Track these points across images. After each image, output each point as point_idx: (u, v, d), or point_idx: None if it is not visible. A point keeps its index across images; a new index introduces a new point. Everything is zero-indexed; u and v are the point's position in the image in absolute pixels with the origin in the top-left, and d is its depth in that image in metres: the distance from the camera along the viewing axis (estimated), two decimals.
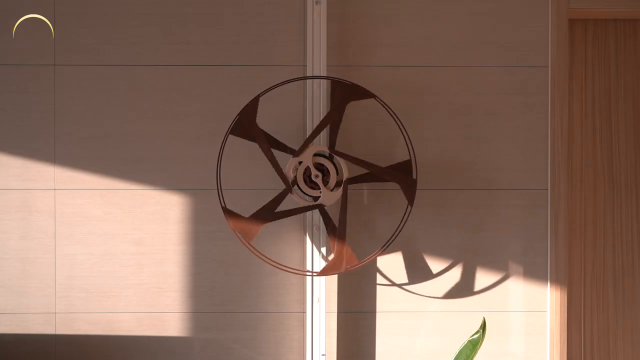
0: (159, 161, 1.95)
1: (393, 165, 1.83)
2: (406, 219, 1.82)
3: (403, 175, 1.80)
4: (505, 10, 1.98)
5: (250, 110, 1.77)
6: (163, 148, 1.95)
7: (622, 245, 2.11)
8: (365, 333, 1.98)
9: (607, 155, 2.11)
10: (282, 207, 1.80)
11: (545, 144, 1.98)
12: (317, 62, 1.89)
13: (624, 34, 2.11)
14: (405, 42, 1.97)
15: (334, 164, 1.80)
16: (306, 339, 1.90)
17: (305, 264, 1.95)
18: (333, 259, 1.79)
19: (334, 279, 1.96)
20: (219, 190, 1.79)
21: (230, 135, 1.79)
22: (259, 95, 1.78)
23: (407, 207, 1.81)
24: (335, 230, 1.80)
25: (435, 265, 1.98)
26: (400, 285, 1.98)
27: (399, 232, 1.83)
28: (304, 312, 1.96)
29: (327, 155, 1.80)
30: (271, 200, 1.78)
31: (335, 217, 1.81)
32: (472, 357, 1.68)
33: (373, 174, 1.81)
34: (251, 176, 1.94)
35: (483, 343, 1.70)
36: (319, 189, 1.79)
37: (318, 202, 1.80)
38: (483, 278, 1.99)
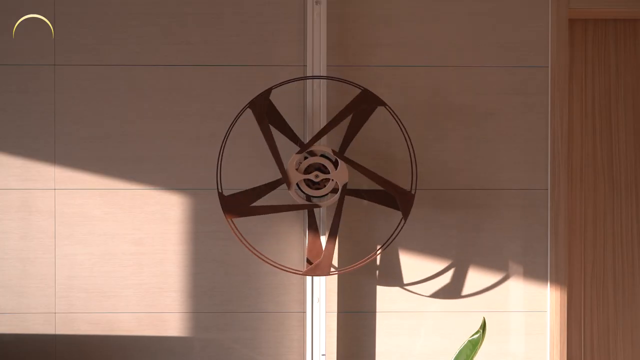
0: (159, 161, 1.95)
1: (395, 186, 1.82)
2: (399, 231, 1.81)
3: (402, 189, 1.80)
4: (505, 10, 1.98)
5: (264, 96, 1.77)
6: (163, 148, 1.95)
7: (622, 245, 2.11)
8: (365, 333, 1.98)
9: (607, 155, 2.11)
10: (278, 202, 1.80)
11: (545, 144, 1.98)
12: (317, 62, 1.89)
13: (624, 34, 2.11)
14: (405, 42, 1.97)
15: (335, 168, 1.79)
16: (306, 339, 1.91)
17: (305, 264, 1.94)
18: (321, 260, 1.78)
19: (334, 279, 1.96)
20: (219, 191, 1.79)
21: (230, 134, 1.79)
22: (270, 88, 1.78)
23: (401, 221, 1.80)
24: (316, 231, 1.81)
25: (435, 265, 1.98)
26: (400, 285, 1.98)
27: (392, 240, 1.82)
28: (304, 312, 1.96)
29: (333, 159, 1.79)
30: (264, 185, 1.78)
31: (328, 219, 1.81)
32: (472, 357, 1.68)
33: (372, 194, 1.82)
34: (251, 176, 1.94)
35: (483, 343, 1.70)
36: (318, 189, 1.79)
37: (315, 202, 1.80)
38: (483, 278, 1.99)
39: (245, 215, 1.79)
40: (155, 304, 1.96)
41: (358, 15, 1.96)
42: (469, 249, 1.98)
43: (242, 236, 1.80)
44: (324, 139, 1.85)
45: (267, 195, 1.80)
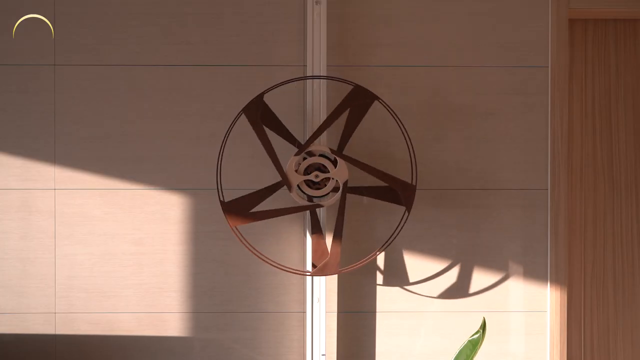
0: (159, 161, 1.95)
1: (396, 178, 1.82)
2: (403, 224, 1.81)
3: (403, 181, 1.80)
4: (505, 10, 1.98)
5: (255, 105, 1.77)
6: (163, 148, 1.95)
7: (622, 245, 2.11)
8: (365, 333, 1.98)
9: (607, 155, 2.11)
10: (279, 205, 1.80)
11: (545, 144, 1.98)
12: (317, 62, 1.89)
13: (624, 34, 2.11)
14: (405, 42, 1.97)
15: (335, 167, 1.79)
16: (306, 339, 1.91)
17: (305, 264, 1.95)
18: (328, 260, 1.78)
19: (334, 279, 1.96)
20: (219, 190, 1.79)
21: (230, 134, 1.79)
22: (263, 92, 1.78)
23: (405, 214, 1.81)
24: (320, 231, 1.81)
25: (435, 265, 1.98)
26: (400, 285, 1.98)
27: (395, 237, 1.82)
28: (304, 312, 1.96)
29: (332, 158, 1.79)
30: (265, 187, 1.78)
31: (329, 219, 1.81)
32: (472, 357, 1.68)
33: (373, 190, 1.82)
34: (251, 176, 1.94)
35: (483, 343, 1.70)
36: (318, 189, 1.79)
37: (316, 202, 1.80)
38: (483, 278, 1.99)
39: (249, 221, 1.78)
40: (155, 304, 1.96)
41: (358, 15, 1.96)
42: (469, 249, 1.98)
43: (249, 243, 1.79)
44: (323, 139, 1.85)
45: (269, 201, 1.80)
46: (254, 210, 1.78)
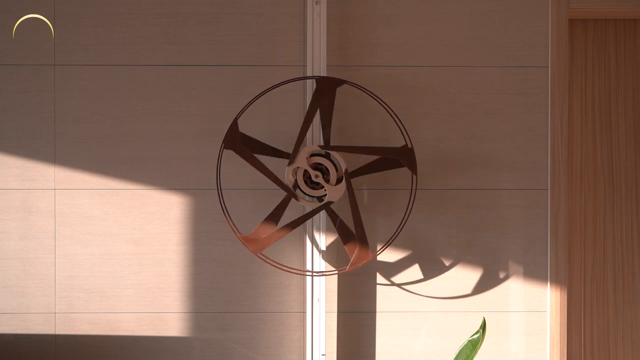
0: (159, 161, 1.95)
1: (389, 148, 1.83)
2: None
3: (399, 148, 1.81)
4: (505, 10, 1.98)
5: (232, 134, 1.78)
6: (163, 148, 1.95)
7: (622, 245, 2.11)
8: (365, 333, 1.98)
9: (607, 155, 2.11)
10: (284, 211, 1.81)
11: (545, 144, 1.98)
12: (317, 62, 1.89)
13: (624, 34, 2.11)
14: (405, 42, 1.97)
15: (331, 161, 1.80)
16: (306, 339, 1.91)
17: (305, 264, 1.95)
18: (356, 255, 1.79)
19: (334, 279, 1.96)
20: (219, 191, 1.79)
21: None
22: (236, 117, 1.79)
23: (413, 177, 1.81)
24: (346, 227, 1.80)
25: (435, 265, 1.98)
26: (400, 285, 1.98)
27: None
28: (304, 312, 1.96)
29: (323, 153, 1.80)
30: (275, 208, 1.79)
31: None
32: (472, 357, 1.68)
33: (372, 164, 1.83)
34: (251, 176, 1.94)
35: (483, 343, 1.70)
36: (322, 187, 1.79)
37: (325, 200, 1.79)
38: (483, 278, 1.99)
39: (272, 243, 1.79)
40: (155, 304, 1.96)
41: (358, 15, 1.96)
42: (469, 249, 1.98)
43: (267, 256, 1.79)
44: (316, 137, 1.85)
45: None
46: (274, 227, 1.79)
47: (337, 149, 1.79)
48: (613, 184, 2.11)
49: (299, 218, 1.80)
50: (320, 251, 1.89)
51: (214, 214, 1.94)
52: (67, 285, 1.94)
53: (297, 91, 1.95)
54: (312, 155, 1.80)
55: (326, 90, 1.78)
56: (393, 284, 1.98)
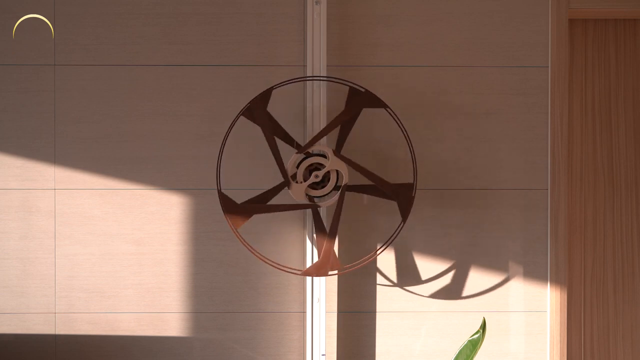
0: (159, 161, 1.95)
1: (396, 185, 1.81)
2: (398, 232, 1.81)
3: (402, 189, 1.79)
4: (505, 10, 1.98)
5: (262, 99, 1.76)
6: (163, 148, 1.95)
7: (622, 245, 2.11)
8: (365, 333, 1.98)
9: (607, 155, 2.11)
10: (280, 203, 1.80)
11: (545, 144, 1.98)
12: (317, 62, 1.89)
13: (624, 34, 2.11)
14: (405, 42, 1.97)
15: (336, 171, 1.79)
16: (306, 339, 1.91)
17: (305, 264, 1.95)
18: (319, 261, 1.78)
19: (334, 279, 1.96)
20: (219, 191, 1.79)
21: (230, 134, 1.79)
22: (272, 87, 1.77)
23: (400, 223, 1.80)
24: (324, 231, 1.80)
25: (435, 265, 1.98)
26: (400, 285, 1.98)
27: (392, 240, 1.82)
28: (304, 312, 1.96)
29: (327, 155, 1.80)
30: (267, 191, 1.78)
31: (327, 219, 1.80)
32: (472, 357, 1.68)
33: (372, 187, 1.81)
34: (251, 176, 1.94)
35: (483, 343, 1.70)
36: (318, 188, 1.79)
37: (315, 202, 1.80)
38: (483, 278, 1.99)
39: (248, 215, 1.77)
40: (155, 304, 1.96)
41: (358, 15, 1.96)
42: (469, 249, 1.98)
43: (249, 243, 1.79)
44: (322, 139, 1.85)
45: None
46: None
47: (348, 162, 1.78)
48: (613, 184, 2.11)
49: (283, 205, 1.78)
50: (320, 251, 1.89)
51: (214, 214, 1.94)
52: (67, 285, 1.94)
53: (297, 91, 1.95)
54: (319, 154, 1.79)
55: (358, 107, 1.78)
56: (393, 284, 1.98)
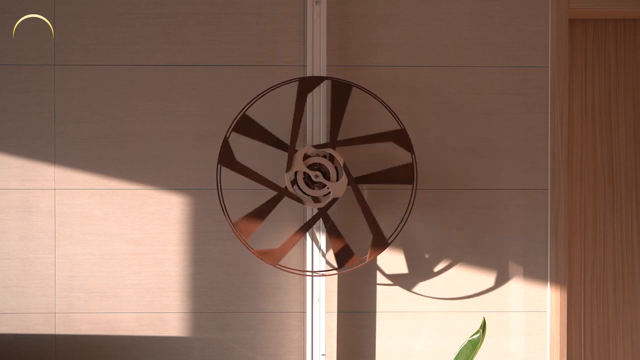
0: (159, 161, 1.95)
1: (384, 133, 1.83)
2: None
3: (392, 131, 1.81)
4: (505, 10, 1.98)
5: (225, 151, 1.78)
6: (163, 148, 1.95)
7: (622, 245, 2.11)
8: (365, 333, 1.98)
9: (607, 155, 2.11)
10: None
11: (545, 144, 1.98)
12: (317, 62, 1.89)
13: (624, 34, 2.11)
14: (405, 42, 1.97)
15: (328, 158, 1.80)
16: (306, 339, 1.91)
17: (305, 264, 1.95)
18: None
19: (334, 279, 1.96)
20: (219, 191, 1.79)
21: (229, 135, 1.80)
22: (226, 136, 1.78)
23: (412, 157, 1.80)
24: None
25: (435, 265, 1.98)
26: (400, 285, 1.98)
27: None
28: (304, 312, 1.96)
29: (320, 154, 1.80)
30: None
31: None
32: (472, 357, 1.68)
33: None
34: None
35: (483, 343, 1.70)
36: (324, 186, 1.79)
37: (331, 197, 1.78)
38: (483, 278, 1.99)
39: (287, 252, 1.79)
40: (155, 304, 1.96)
41: (358, 15, 1.96)
42: (469, 249, 1.98)
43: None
44: (316, 137, 1.85)
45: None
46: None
47: (341, 143, 1.78)
48: (613, 184, 2.11)
49: (311, 219, 1.80)
50: (320, 251, 1.89)
51: (214, 214, 1.94)
52: (67, 285, 1.94)
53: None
54: (308, 157, 1.79)
55: (341, 93, 1.79)
56: (393, 283, 1.98)
